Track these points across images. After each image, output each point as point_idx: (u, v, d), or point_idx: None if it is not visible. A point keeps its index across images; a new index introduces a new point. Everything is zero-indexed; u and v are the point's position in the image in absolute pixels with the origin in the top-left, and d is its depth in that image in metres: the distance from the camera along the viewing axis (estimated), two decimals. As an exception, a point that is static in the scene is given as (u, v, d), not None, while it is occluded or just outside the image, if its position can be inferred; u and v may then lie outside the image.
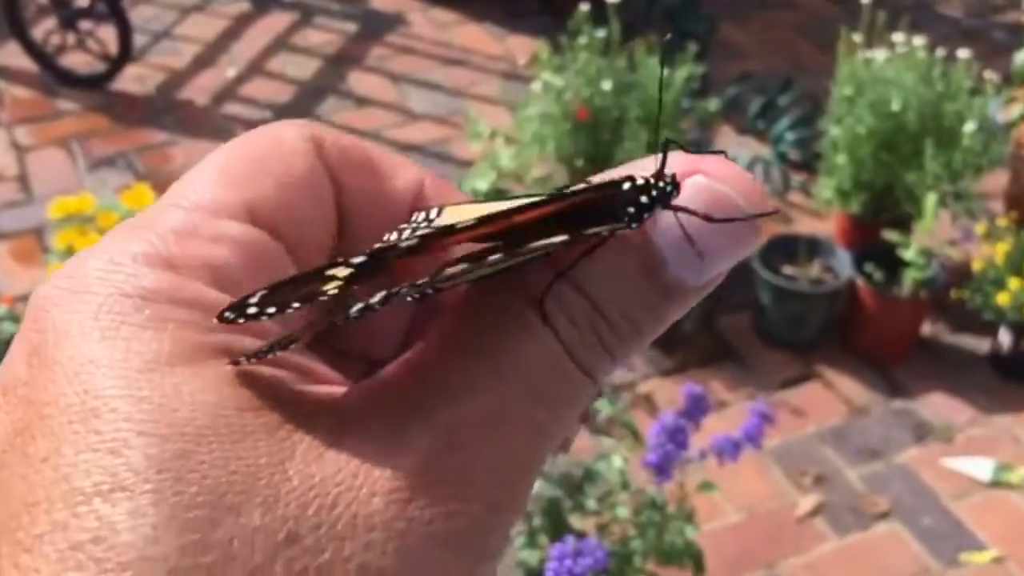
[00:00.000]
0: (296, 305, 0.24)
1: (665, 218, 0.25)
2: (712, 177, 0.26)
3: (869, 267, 2.02)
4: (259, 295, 0.23)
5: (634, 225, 0.25)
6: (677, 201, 0.25)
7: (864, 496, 1.85)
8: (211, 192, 0.26)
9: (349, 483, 0.22)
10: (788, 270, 2.10)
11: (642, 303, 0.25)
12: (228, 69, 2.91)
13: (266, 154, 0.27)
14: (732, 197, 0.25)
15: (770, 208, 0.25)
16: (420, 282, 0.24)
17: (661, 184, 0.26)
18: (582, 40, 2.09)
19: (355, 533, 0.21)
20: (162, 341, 0.23)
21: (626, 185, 0.26)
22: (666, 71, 2.09)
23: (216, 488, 0.21)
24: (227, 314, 0.23)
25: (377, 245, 0.25)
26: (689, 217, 0.25)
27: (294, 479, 0.21)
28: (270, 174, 0.26)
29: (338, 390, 0.25)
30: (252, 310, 0.23)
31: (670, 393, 1.99)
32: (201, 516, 0.20)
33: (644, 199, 0.25)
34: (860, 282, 2.03)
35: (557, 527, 1.36)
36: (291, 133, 0.27)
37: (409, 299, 0.25)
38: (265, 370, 0.24)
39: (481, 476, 0.23)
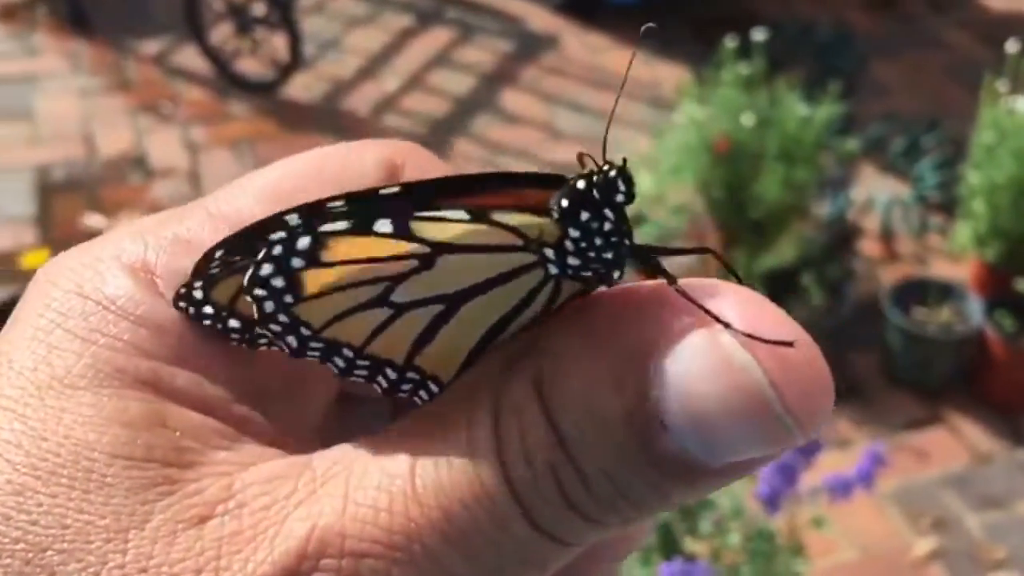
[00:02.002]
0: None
1: (675, 358, 0.18)
2: (740, 341, 0.18)
3: (999, 315, 2.01)
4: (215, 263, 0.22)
5: (562, 268, 0.21)
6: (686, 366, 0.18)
7: (983, 544, 1.83)
8: (244, 201, 0.23)
9: None
10: (919, 313, 2.10)
11: (631, 467, 0.19)
12: (389, 81, 3.01)
13: (326, 172, 0.24)
14: (761, 388, 0.18)
15: (826, 416, 0.18)
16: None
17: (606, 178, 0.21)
18: (726, 74, 2.13)
19: None
20: (81, 356, 0.20)
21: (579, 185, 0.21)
22: (807, 108, 2.11)
23: (41, 539, 0.18)
24: (180, 303, 0.22)
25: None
26: (702, 372, 0.18)
27: (129, 553, 0.18)
28: (319, 193, 0.22)
29: (283, 455, 0.21)
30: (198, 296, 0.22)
31: (793, 427, 2.01)
32: (11, 567, 0.18)
33: (584, 212, 0.21)
34: (989, 330, 2.01)
35: (670, 547, 1.38)
36: (367, 153, 0.24)
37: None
38: (193, 416, 0.21)
39: None
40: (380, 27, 3.26)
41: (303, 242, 0.20)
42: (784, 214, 2.13)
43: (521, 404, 0.19)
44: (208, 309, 0.22)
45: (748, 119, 2.09)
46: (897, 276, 2.24)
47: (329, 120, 2.86)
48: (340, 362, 0.21)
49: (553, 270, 0.21)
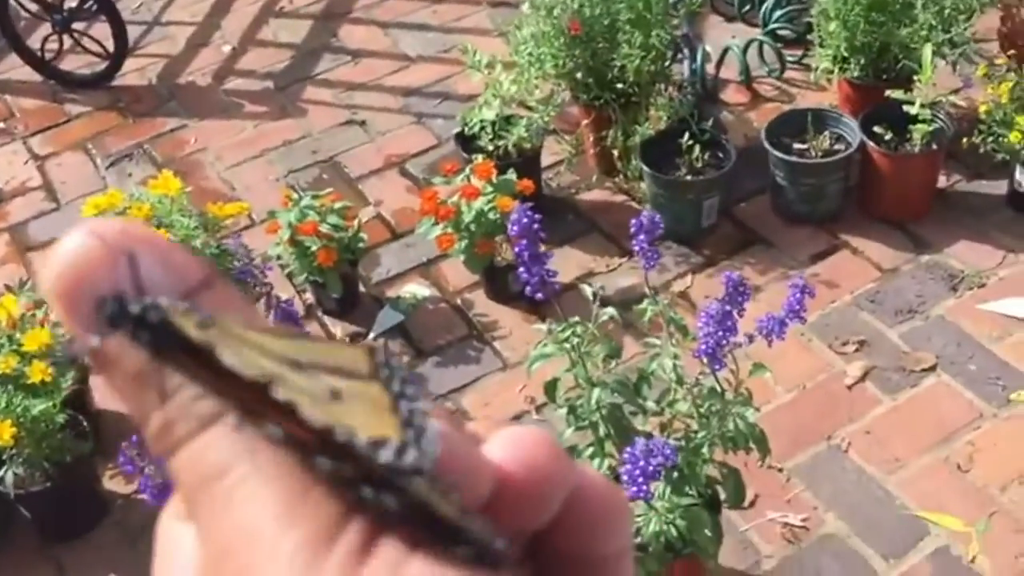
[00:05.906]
0: None
1: None
2: None
3: (878, 129, 2.03)
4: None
5: None
6: None
7: (908, 354, 1.88)
8: None
9: None
10: (798, 145, 2.12)
11: None
12: (223, 46, 2.93)
13: None
14: None
15: None
16: None
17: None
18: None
19: None
20: None
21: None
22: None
23: None
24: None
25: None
26: None
27: None
28: None
29: None
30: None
31: (704, 288, 2.02)
32: None
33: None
34: (870, 145, 2.04)
35: (622, 432, 1.38)
36: None
37: None
38: None
39: None
40: (199, -6, 3.16)
41: None
42: (648, 81, 2.13)
43: None
44: None
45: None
46: (769, 116, 2.25)
47: (171, 98, 2.78)
48: None
49: None
